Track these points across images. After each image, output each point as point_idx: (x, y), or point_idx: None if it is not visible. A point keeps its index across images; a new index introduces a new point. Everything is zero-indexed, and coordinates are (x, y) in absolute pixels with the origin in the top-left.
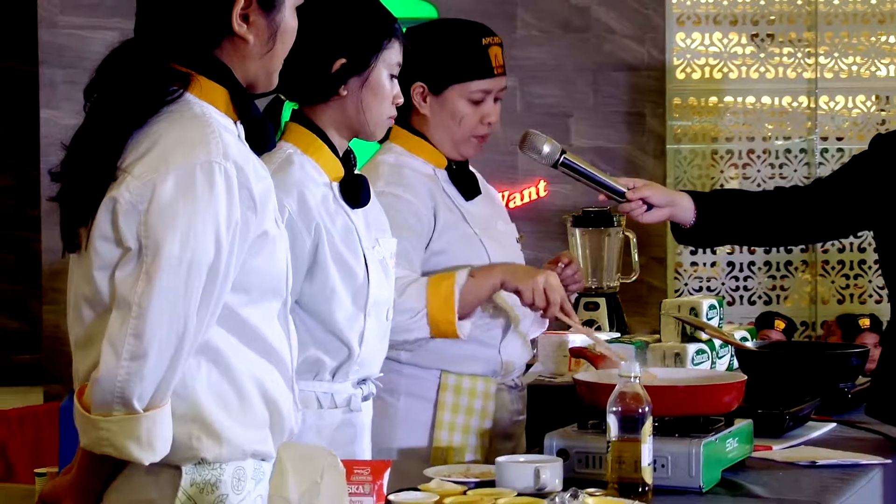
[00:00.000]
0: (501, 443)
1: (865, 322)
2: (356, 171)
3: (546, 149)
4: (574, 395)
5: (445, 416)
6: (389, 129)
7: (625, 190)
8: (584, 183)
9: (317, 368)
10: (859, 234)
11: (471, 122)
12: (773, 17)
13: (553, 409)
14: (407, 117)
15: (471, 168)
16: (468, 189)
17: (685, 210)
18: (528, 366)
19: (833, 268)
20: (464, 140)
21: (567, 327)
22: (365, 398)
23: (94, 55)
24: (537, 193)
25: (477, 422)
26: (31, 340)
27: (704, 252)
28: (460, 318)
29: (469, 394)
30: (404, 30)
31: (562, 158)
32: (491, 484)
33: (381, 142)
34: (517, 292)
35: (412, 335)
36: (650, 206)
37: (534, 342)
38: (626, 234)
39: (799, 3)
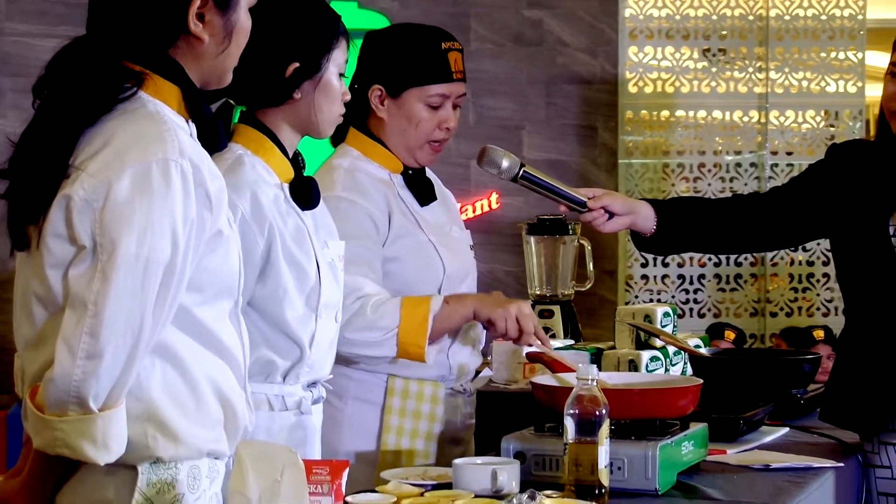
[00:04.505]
0: (450, 447)
1: (819, 334)
2: (305, 174)
3: (505, 163)
4: (527, 402)
5: (393, 420)
6: (347, 131)
7: (585, 200)
8: (544, 195)
9: (269, 370)
10: (807, 247)
11: (427, 126)
12: (724, 33)
13: (505, 415)
14: (364, 120)
15: (428, 172)
16: (424, 194)
17: (646, 218)
18: (478, 371)
19: (781, 280)
20: (419, 145)
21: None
22: (315, 401)
23: (41, 63)
24: (490, 205)
25: (425, 426)
26: None
27: (655, 264)
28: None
29: (417, 398)
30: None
31: (521, 172)
32: (448, 486)
33: (336, 143)
34: (489, 322)
35: (378, 352)
36: (611, 216)
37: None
38: (581, 242)
39: (750, 18)
